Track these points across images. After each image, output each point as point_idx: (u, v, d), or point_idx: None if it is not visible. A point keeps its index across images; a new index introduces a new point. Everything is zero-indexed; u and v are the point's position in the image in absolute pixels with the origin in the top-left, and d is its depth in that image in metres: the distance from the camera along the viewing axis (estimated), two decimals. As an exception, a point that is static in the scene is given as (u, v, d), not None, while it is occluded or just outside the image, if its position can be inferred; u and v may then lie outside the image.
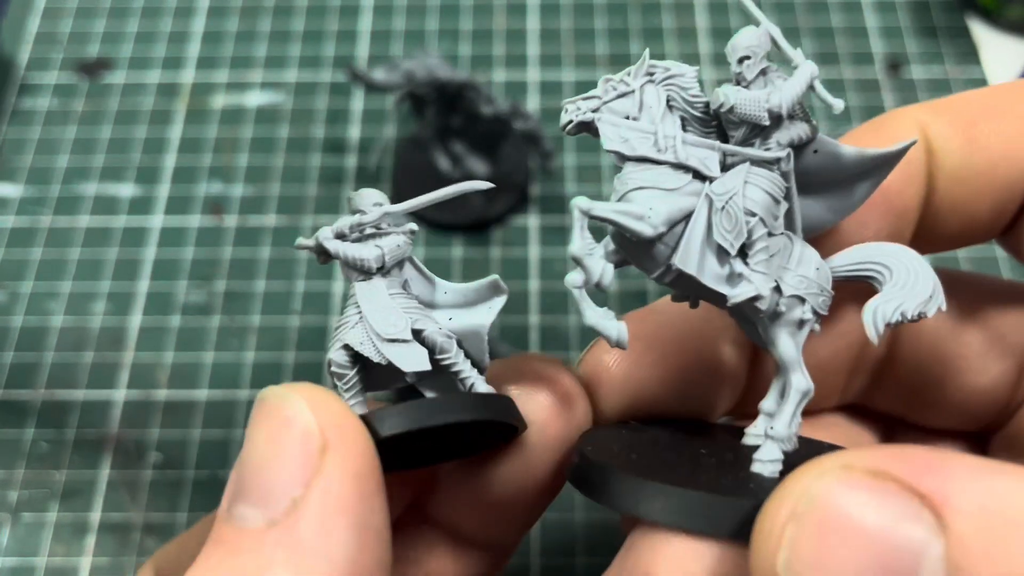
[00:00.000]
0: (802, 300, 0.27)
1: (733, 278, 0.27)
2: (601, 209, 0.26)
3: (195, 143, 0.65)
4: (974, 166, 0.28)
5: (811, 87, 0.27)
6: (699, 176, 0.27)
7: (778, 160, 0.27)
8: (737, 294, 0.26)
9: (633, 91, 0.27)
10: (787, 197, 0.27)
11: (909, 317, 0.27)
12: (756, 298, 0.26)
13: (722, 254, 0.26)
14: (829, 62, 0.69)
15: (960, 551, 0.18)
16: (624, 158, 0.27)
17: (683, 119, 0.27)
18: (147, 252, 0.61)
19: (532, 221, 0.62)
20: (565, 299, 0.58)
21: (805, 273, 0.27)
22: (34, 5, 0.72)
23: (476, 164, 0.61)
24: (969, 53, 0.69)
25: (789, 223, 0.28)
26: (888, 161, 0.28)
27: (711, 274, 0.26)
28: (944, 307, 0.27)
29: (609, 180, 0.63)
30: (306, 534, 0.22)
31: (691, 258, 0.26)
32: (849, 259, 0.28)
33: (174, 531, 0.51)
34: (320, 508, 0.22)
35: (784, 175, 0.27)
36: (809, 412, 0.32)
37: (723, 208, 0.26)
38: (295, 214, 0.62)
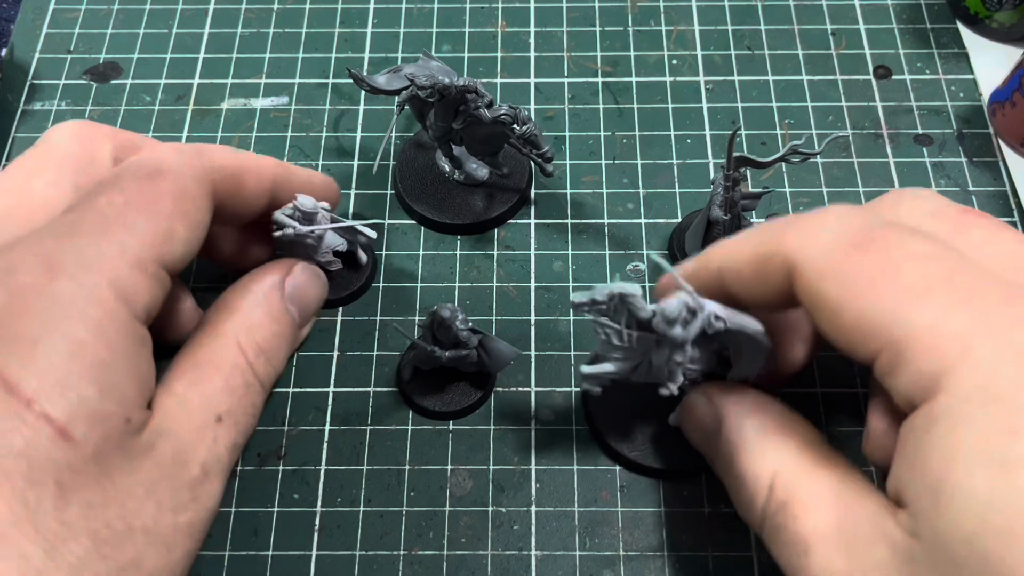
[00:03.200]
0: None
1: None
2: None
3: (201, 145, 0.66)
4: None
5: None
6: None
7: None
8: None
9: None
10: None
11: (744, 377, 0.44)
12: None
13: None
14: (822, 64, 0.70)
15: None
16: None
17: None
18: (154, 252, 0.62)
19: (532, 222, 0.63)
20: (564, 300, 0.60)
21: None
22: (44, 9, 0.74)
23: (476, 167, 0.62)
24: (960, 56, 0.70)
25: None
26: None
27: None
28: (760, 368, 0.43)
29: (607, 183, 0.64)
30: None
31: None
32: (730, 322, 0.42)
33: (182, 524, 0.52)
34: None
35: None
36: None
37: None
38: (299, 215, 0.63)
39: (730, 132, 0.66)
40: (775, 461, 0.36)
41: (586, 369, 0.47)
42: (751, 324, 0.43)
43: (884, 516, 0.31)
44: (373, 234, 0.56)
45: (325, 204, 0.54)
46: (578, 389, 0.56)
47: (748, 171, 0.63)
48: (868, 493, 0.33)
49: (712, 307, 0.42)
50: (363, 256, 0.58)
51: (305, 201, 0.53)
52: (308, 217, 0.53)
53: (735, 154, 0.53)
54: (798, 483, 0.35)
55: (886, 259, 0.33)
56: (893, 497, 0.32)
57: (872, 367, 0.33)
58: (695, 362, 0.45)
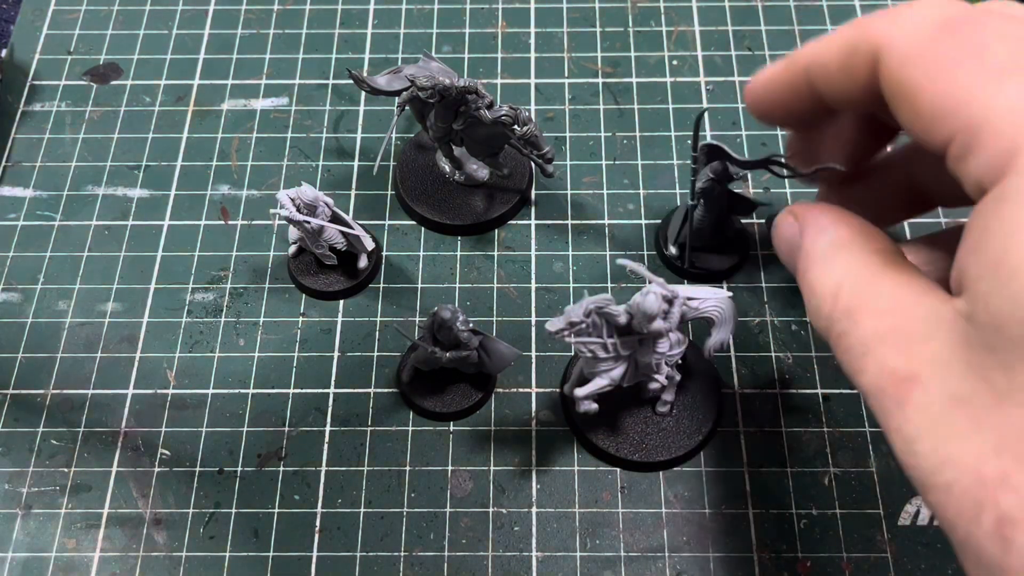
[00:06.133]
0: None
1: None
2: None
3: (202, 146, 0.66)
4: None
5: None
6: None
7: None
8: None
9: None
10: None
11: (724, 345, 0.50)
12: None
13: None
14: (823, 66, 0.70)
15: None
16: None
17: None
18: (155, 253, 0.62)
19: (532, 223, 0.63)
20: (564, 301, 0.59)
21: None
22: (44, 10, 0.74)
23: (477, 168, 0.62)
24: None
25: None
26: None
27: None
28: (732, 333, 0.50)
29: (607, 183, 0.64)
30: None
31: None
32: (703, 303, 0.49)
33: (182, 525, 0.52)
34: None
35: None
36: None
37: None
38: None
39: (731, 133, 0.66)
40: (842, 272, 0.37)
41: (579, 392, 0.48)
42: (719, 293, 0.49)
43: (942, 309, 0.31)
44: (370, 246, 0.58)
45: (328, 199, 0.55)
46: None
47: (748, 172, 0.63)
48: (928, 292, 0.33)
49: (683, 292, 0.47)
50: (363, 260, 0.58)
51: (306, 191, 0.54)
52: (308, 207, 0.55)
53: (708, 142, 0.52)
54: (862, 291, 0.35)
55: (975, 40, 0.31)
56: (955, 288, 0.31)
57: (945, 158, 0.32)
58: (678, 345, 0.48)
